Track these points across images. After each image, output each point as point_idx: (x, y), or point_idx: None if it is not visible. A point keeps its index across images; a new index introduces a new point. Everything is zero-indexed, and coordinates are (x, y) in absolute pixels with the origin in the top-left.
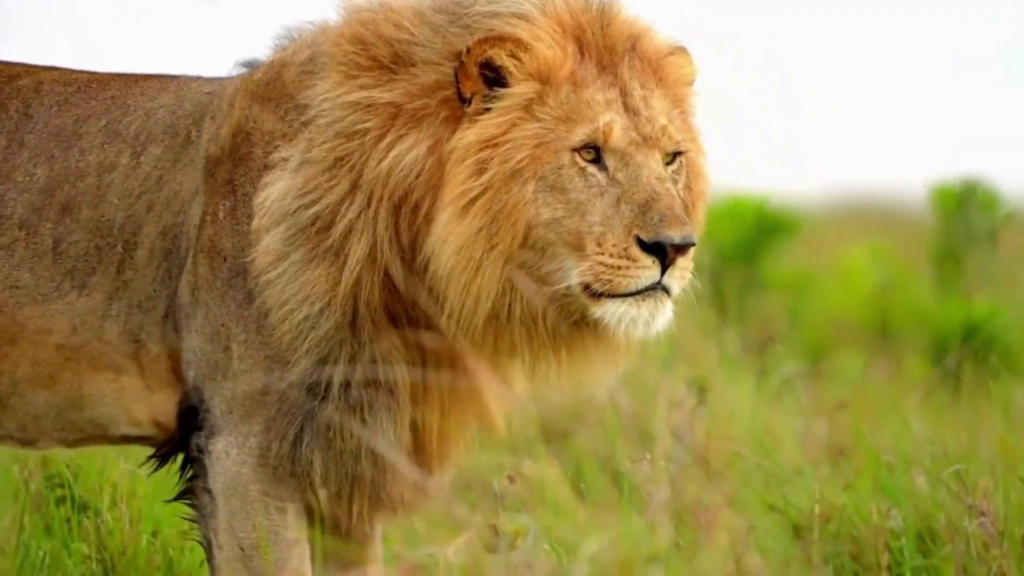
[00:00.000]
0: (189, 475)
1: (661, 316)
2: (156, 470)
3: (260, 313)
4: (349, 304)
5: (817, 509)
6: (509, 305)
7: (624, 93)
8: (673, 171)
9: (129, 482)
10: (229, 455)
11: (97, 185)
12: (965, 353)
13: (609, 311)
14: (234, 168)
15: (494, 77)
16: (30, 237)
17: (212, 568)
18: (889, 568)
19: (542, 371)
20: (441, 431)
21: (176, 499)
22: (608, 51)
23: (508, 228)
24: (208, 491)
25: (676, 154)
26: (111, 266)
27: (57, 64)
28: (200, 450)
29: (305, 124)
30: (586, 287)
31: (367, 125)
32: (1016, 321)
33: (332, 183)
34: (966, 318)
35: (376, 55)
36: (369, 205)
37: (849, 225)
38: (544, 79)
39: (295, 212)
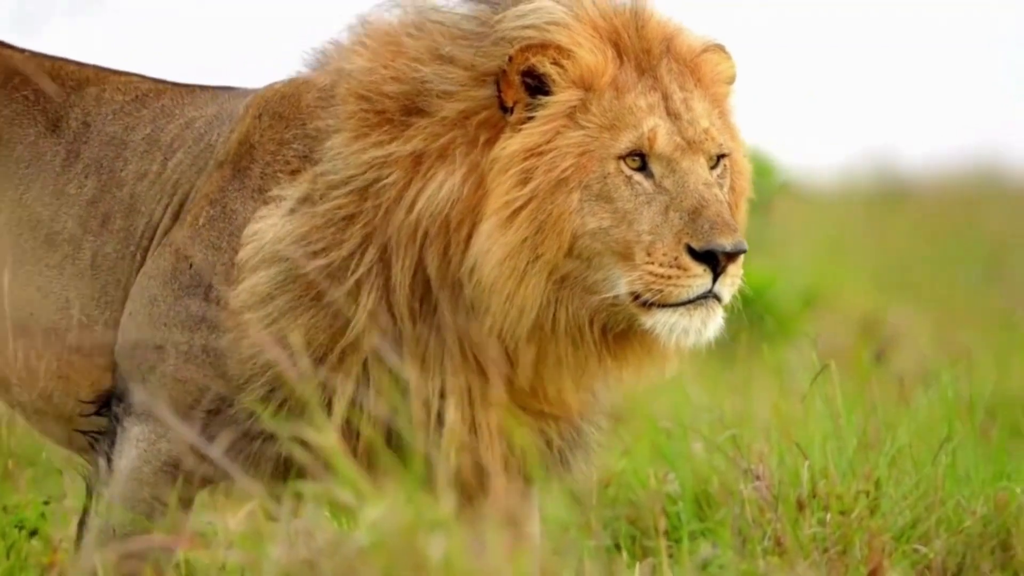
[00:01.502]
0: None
1: (712, 324)
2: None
3: (214, 338)
4: (321, 352)
5: (596, 475)
6: (554, 315)
7: (665, 97)
8: (718, 175)
9: None
10: (138, 446)
11: (131, 194)
12: (741, 320)
13: (660, 321)
14: (231, 178)
15: (536, 85)
16: (76, 252)
17: (84, 518)
18: (667, 532)
19: (588, 379)
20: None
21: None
22: (645, 54)
23: (554, 238)
24: (108, 460)
25: (720, 157)
26: (132, 275)
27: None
28: (117, 420)
29: (308, 159)
30: (636, 296)
31: (388, 180)
32: (790, 288)
33: (341, 237)
34: (742, 286)
35: (383, 109)
36: (382, 258)
37: None
38: (587, 86)
39: (291, 259)
